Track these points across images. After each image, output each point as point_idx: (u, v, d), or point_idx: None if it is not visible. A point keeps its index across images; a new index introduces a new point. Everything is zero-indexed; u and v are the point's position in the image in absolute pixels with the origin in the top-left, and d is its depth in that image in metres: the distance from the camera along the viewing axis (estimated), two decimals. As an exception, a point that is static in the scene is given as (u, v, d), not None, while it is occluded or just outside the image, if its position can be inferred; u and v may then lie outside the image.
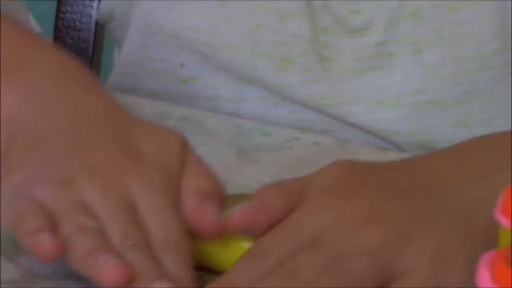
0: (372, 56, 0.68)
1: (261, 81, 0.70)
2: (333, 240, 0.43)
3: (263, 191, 0.46)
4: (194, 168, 0.48)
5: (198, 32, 0.69)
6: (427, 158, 0.53)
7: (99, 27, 0.84)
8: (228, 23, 0.69)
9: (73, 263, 0.44)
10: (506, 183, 0.37)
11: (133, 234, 0.44)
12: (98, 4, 0.81)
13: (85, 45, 0.85)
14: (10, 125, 0.50)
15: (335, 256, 0.42)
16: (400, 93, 0.68)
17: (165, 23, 0.70)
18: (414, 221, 0.44)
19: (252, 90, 0.71)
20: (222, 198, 0.47)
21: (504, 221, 0.34)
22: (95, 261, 0.42)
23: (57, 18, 0.84)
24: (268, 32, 0.69)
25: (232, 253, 0.45)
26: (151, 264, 0.43)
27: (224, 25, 0.69)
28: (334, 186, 0.46)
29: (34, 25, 0.81)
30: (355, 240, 0.43)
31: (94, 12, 0.81)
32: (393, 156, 0.63)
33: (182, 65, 0.71)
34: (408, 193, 0.46)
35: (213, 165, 0.50)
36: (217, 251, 0.46)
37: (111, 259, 0.42)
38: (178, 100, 0.71)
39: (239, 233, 0.46)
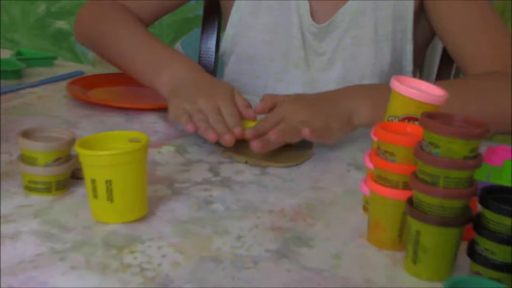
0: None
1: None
2: (289, 118, 1.00)
3: (264, 97, 1.07)
4: (238, 96, 1.07)
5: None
6: (330, 92, 1.09)
7: (217, 56, 1.55)
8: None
9: (200, 133, 0.98)
10: (356, 107, 1.04)
11: (218, 118, 1.00)
12: (217, 48, 1.55)
13: (212, 64, 1.57)
14: (169, 85, 1.10)
15: (289, 123, 1.00)
16: None
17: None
18: (317, 112, 1.02)
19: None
20: (250, 106, 1.06)
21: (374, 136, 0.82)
22: (206, 132, 0.97)
23: (199, 52, 1.57)
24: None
25: (251, 124, 1.02)
26: (226, 128, 0.98)
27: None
28: (292, 101, 1.04)
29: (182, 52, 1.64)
30: (297, 117, 1.00)
31: (214, 50, 1.56)
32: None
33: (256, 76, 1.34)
34: (318, 103, 1.05)
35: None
36: (246, 125, 1.01)
37: (209, 130, 0.97)
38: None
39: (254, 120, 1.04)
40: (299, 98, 1.06)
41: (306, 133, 0.96)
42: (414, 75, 1.31)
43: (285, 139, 0.98)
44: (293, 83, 1.27)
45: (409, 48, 1.25)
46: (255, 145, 0.95)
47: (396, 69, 1.27)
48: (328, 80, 1.25)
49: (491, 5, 1.21)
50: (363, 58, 1.24)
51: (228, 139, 0.96)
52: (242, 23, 1.30)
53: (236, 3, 1.30)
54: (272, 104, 1.05)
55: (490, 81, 1.11)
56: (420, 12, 1.24)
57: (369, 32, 1.23)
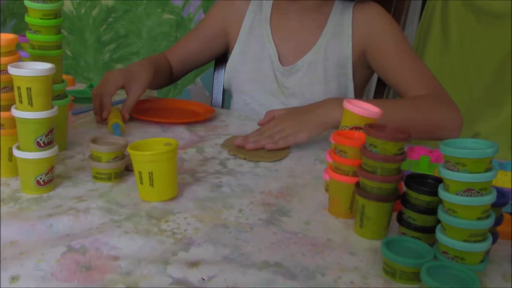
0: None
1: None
2: (279, 130, 1.00)
3: (266, 113, 1.09)
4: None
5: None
6: (315, 104, 1.05)
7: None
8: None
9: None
10: (328, 114, 1.01)
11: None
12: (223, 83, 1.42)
13: (221, 93, 1.46)
14: (127, 71, 1.13)
15: (278, 132, 1.00)
16: None
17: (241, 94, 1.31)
18: (299, 122, 1.01)
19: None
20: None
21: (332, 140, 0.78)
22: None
23: (212, 84, 1.47)
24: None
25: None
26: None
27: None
28: (280, 115, 1.05)
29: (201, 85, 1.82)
30: (282, 126, 1.01)
31: (222, 83, 1.39)
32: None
33: (246, 103, 1.29)
34: (299, 114, 1.03)
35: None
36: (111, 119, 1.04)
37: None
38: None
39: None
40: (286, 112, 1.06)
41: (270, 147, 0.98)
42: None
43: (265, 147, 0.99)
44: (271, 106, 1.23)
45: (350, 86, 1.22)
46: (249, 146, 0.97)
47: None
48: (293, 105, 1.21)
49: (411, 47, 1.21)
50: (316, 93, 1.21)
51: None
52: (235, 70, 1.28)
53: (230, 57, 1.29)
54: (269, 118, 1.06)
55: (420, 102, 1.09)
56: (360, 61, 1.22)
57: (321, 75, 1.21)
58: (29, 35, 0.87)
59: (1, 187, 0.77)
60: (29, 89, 0.72)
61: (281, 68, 1.23)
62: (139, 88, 1.12)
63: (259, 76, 1.25)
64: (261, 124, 1.08)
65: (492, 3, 2.54)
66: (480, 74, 2.56)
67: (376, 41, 1.18)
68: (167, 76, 1.33)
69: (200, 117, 1.14)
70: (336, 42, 1.21)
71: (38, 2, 0.84)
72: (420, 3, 3.27)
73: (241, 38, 1.28)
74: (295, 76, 1.23)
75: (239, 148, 0.98)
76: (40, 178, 0.75)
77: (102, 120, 1.07)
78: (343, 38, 1.21)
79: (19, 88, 0.73)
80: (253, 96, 1.26)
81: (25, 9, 0.86)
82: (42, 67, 0.74)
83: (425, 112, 1.06)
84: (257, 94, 1.26)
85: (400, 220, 0.69)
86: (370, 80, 1.34)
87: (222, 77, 1.48)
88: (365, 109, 0.79)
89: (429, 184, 0.68)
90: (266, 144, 0.98)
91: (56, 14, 0.87)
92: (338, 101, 1.02)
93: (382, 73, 1.21)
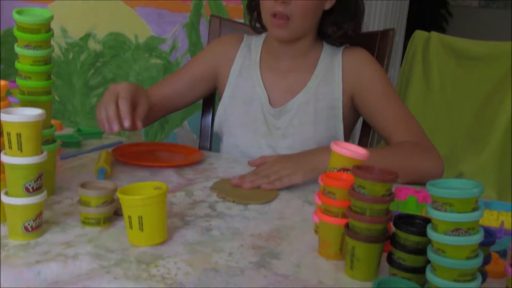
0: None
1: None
2: (275, 171, 1.02)
3: (259, 159, 1.10)
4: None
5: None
6: (306, 151, 1.09)
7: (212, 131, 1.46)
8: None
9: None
10: (320, 161, 1.03)
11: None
12: (212, 127, 1.47)
13: (209, 136, 1.49)
14: (131, 84, 1.08)
15: (274, 172, 1.02)
16: None
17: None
18: (294, 165, 1.04)
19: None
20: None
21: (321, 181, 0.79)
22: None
23: (200, 127, 1.50)
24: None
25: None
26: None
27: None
28: (275, 160, 1.06)
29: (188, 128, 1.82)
30: (278, 167, 1.03)
31: (210, 126, 1.43)
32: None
33: (236, 146, 1.29)
34: (292, 159, 1.06)
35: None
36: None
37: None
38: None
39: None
40: (280, 157, 1.08)
41: (265, 187, 1.00)
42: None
43: (261, 187, 1.00)
44: (260, 148, 1.25)
45: (340, 128, 1.24)
46: (246, 185, 1.00)
47: (330, 141, 1.25)
48: (283, 146, 1.23)
49: (397, 94, 1.24)
50: (306, 134, 1.22)
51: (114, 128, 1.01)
52: (226, 113, 1.29)
53: (221, 101, 1.30)
54: (261, 162, 1.08)
55: (406, 149, 1.12)
56: (349, 105, 1.24)
57: (311, 116, 1.23)
58: (19, 81, 0.87)
59: (-12, 233, 0.76)
60: (19, 135, 0.72)
61: (271, 110, 1.25)
62: (147, 100, 1.10)
63: (248, 119, 1.26)
64: (251, 163, 1.09)
65: (470, 46, 2.62)
66: (461, 115, 2.61)
67: (365, 88, 1.22)
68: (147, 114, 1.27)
69: (188, 160, 1.14)
70: (327, 85, 1.24)
71: (29, 49, 0.85)
72: (401, 46, 3.36)
73: (231, 82, 1.30)
74: (285, 117, 1.24)
75: (228, 190, 0.98)
76: (28, 224, 0.74)
77: (118, 129, 1.01)
78: (334, 81, 1.23)
79: (9, 134, 0.73)
80: (242, 139, 1.27)
81: (13, 55, 0.88)
82: (32, 113, 0.75)
83: (410, 159, 1.10)
84: (247, 137, 1.27)
85: (390, 261, 0.69)
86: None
87: (210, 120, 1.50)
88: (352, 150, 0.80)
89: (417, 224, 0.68)
90: (262, 184, 0.99)
91: (46, 61, 0.88)
92: (326, 149, 1.04)
93: (369, 118, 1.25)
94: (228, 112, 1.29)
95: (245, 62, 1.30)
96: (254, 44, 1.32)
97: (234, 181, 1.01)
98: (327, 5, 1.22)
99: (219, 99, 1.34)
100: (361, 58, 1.25)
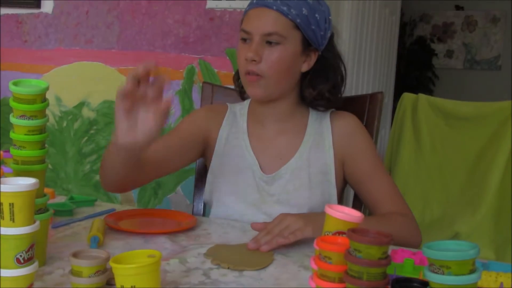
0: None
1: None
2: (286, 225, 1.03)
3: (262, 223, 1.09)
4: None
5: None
6: (309, 213, 1.17)
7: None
8: None
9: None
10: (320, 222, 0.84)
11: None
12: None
13: (202, 203, 1.48)
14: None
15: (286, 227, 1.03)
16: None
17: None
18: (303, 219, 1.05)
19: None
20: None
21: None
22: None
23: (193, 194, 1.50)
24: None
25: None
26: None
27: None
28: (283, 216, 1.06)
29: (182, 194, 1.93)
30: (288, 222, 1.04)
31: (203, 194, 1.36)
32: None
33: (228, 215, 1.26)
34: (302, 215, 1.08)
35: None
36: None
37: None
38: None
39: None
40: (286, 214, 1.07)
41: (281, 242, 1.01)
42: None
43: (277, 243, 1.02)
44: (253, 216, 1.22)
45: (333, 192, 1.25)
46: (264, 248, 1.00)
47: (322, 208, 1.25)
48: (278, 212, 1.18)
49: (382, 163, 1.28)
50: (302, 199, 1.22)
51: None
52: (216, 181, 1.29)
53: (210, 169, 1.30)
54: (264, 225, 1.06)
55: (393, 220, 1.17)
56: (340, 169, 1.26)
57: (305, 181, 1.23)
58: (13, 151, 0.88)
59: (-24, 307, 0.74)
60: (11, 205, 0.72)
61: (264, 176, 1.25)
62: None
63: (239, 188, 1.25)
64: (254, 227, 1.08)
65: (458, 107, 2.67)
66: (454, 175, 2.63)
67: (355, 158, 1.24)
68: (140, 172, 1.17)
69: (182, 227, 1.13)
70: (318, 150, 1.25)
71: (24, 119, 0.87)
72: (391, 107, 3.42)
73: (218, 150, 1.29)
74: (279, 183, 1.24)
75: (223, 256, 0.96)
76: (18, 297, 0.72)
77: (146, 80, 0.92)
78: (325, 146, 1.25)
79: (1, 204, 0.72)
80: (233, 208, 1.25)
81: (9, 124, 0.88)
82: (25, 182, 0.75)
83: (397, 229, 1.12)
84: (238, 205, 1.25)
85: (390, 327, 0.67)
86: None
87: (204, 185, 1.49)
88: (347, 213, 0.80)
89: (415, 288, 0.67)
90: (278, 241, 1.00)
91: (41, 130, 0.89)
92: (314, 216, 1.07)
93: (355, 186, 1.27)
94: (218, 181, 1.28)
95: (232, 129, 1.30)
96: (239, 111, 1.32)
97: (250, 246, 1.01)
98: (304, 67, 1.23)
99: (207, 168, 1.34)
100: (351, 124, 1.27)
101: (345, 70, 1.28)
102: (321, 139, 1.25)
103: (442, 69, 5.35)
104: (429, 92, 5.05)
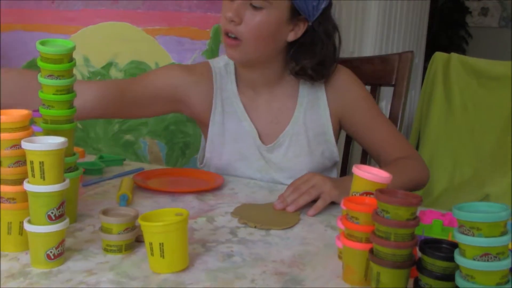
0: None
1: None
2: (312, 184, 1.02)
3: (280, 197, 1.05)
4: None
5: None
6: (340, 178, 1.23)
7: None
8: None
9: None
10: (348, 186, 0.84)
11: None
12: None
13: None
14: None
15: (312, 186, 1.02)
16: None
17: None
18: (332, 183, 1.03)
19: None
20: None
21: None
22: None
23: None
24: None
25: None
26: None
27: None
28: (310, 175, 1.05)
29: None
30: (315, 181, 1.03)
31: None
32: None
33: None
34: (334, 180, 1.05)
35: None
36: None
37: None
38: None
39: None
40: (313, 173, 1.07)
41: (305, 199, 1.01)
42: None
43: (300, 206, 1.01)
44: (263, 181, 1.21)
45: (335, 150, 1.24)
46: (290, 209, 1.00)
47: (326, 166, 1.26)
48: (282, 180, 1.21)
49: (381, 111, 1.27)
50: (302, 164, 1.21)
51: None
52: (215, 151, 1.25)
53: (208, 137, 1.25)
54: (283, 199, 1.03)
55: (403, 166, 1.16)
56: (338, 127, 1.25)
57: (304, 147, 1.22)
58: (42, 110, 0.89)
59: (11, 262, 0.76)
60: (41, 163, 0.73)
61: (263, 146, 1.23)
62: None
63: (244, 155, 1.23)
64: (282, 197, 1.03)
65: (491, 67, 2.59)
66: (485, 136, 2.57)
67: (351, 110, 1.23)
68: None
69: (209, 186, 1.14)
70: (314, 112, 1.23)
71: (52, 79, 0.87)
72: (421, 68, 3.34)
73: (215, 119, 1.23)
74: (279, 151, 1.23)
75: (250, 215, 0.97)
76: (51, 252, 0.74)
77: None
78: (320, 106, 1.23)
79: (32, 162, 0.73)
80: (241, 176, 1.23)
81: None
82: (54, 141, 0.75)
83: (408, 177, 1.14)
84: (245, 173, 1.23)
85: (417, 287, 0.67)
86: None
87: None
88: (375, 174, 0.78)
89: (444, 249, 0.66)
90: (305, 199, 1.00)
91: (69, 90, 0.89)
92: (341, 180, 1.09)
93: (357, 138, 1.27)
94: (218, 151, 1.25)
95: (223, 94, 1.24)
96: (224, 69, 1.24)
97: (277, 206, 1.01)
98: (291, 37, 1.15)
99: (204, 137, 1.30)
100: (343, 78, 1.23)
101: (340, 41, 1.19)
102: (315, 99, 1.22)
103: (476, 27, 5.17)
104: (462, 51, 4.89)
